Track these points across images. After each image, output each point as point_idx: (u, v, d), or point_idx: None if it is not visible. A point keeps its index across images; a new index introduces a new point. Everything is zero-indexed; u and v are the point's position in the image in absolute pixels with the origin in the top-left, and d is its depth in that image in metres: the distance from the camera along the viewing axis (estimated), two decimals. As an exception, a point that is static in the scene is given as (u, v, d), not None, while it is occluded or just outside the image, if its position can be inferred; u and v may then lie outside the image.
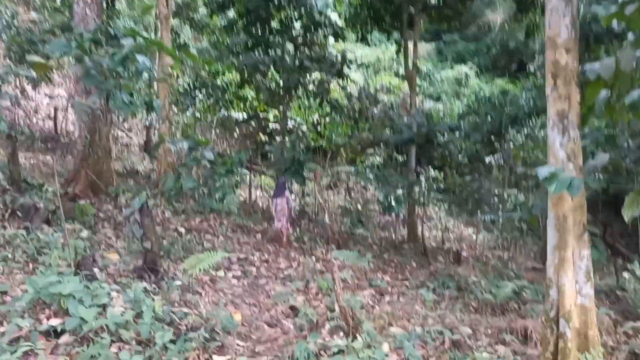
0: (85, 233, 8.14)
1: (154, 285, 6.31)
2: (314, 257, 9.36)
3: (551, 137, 4.42)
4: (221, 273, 7.68)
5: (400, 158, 15.99)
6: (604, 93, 4.24)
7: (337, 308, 5.43)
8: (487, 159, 14.36)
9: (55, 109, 15.93)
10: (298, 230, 11.50)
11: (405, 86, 21.35)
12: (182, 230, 9.53)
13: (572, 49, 4.40)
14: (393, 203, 10.36)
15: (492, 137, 11.59)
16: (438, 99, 21.44)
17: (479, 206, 11.42)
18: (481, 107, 16.72)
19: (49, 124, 15.91)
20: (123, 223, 8.55)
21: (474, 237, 16.74)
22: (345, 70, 12.20)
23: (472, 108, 17.93)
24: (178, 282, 6.38)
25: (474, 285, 8.14)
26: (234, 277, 7.52)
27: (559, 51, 4.41)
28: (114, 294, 5.01)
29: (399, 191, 11.26)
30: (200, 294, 6.48)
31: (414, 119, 11.78)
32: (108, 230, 8.83)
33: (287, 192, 10.90)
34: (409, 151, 12.17)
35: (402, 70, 23.42)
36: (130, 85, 9.45)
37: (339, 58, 12.17)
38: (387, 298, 7.25)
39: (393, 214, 10.95)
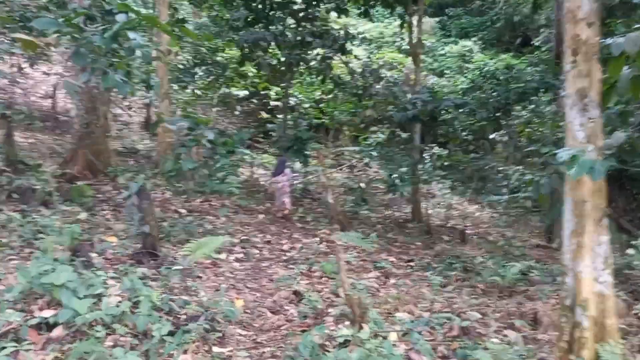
0: (83, 215, 7.93)
1: (153, 271, 6.10)
2: (317, 238, 9.14)
3: (570, 116, 4.12)
4: (222, 256, 7.46)
5: (403, 135, 15.70)
6: (627, 69, 3.93)
7: (342, 294, 5.22)
8: (492, 136, 14.07)
9: (54, 87, 15.61)
10: (301, 209, 11.27)
11: (408, 62, 20.88)
12: (183, 211, 9.30)
13: (594, 22, 4.07)
14: (398, 182, 10.10)
15: (499, 113, 11.26)
16: (441, 74, 20.97)
17: (484, 184, 11.15)
18: (486, 82, 16.35)
19: (48, 102, 15.60)
20: (122, 205, 8.33)
21: (478, 214, 16.53)
22: (348, 45, 11.80)
23: (476, 83, 17.53)
24: (178, 267, 6.17)
25: (481, 266, 7.93)
26: (235, 260, 7.31)
27: (580, 25, 4.08)
28: (110, 282, 4.80)
29: (404, 170, 10.98)
30: (201, 278, 6.27)
31: (418, 96, 11.43)
32: (107, 212, 8.61)
33: (287, 171, 10.73)
34: (413, 128, 11.85)
35: (405, 46, 22.91)
36: (125, 63, 9.14)
37: (342, 33, 11.77)
38: (393, 281, 7.04)
39: (397, 193, 10.67)
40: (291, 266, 7.26)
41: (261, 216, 10.11)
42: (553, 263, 9.02)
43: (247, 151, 8.25)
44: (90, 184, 9.78)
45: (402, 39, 22.85)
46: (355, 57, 14.63)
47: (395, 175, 10.11)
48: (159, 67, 12.34)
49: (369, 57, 19.16)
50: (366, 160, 17.60)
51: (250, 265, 7.21)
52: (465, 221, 15.33)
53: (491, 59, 19.68)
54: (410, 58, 21.60)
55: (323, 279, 6.67)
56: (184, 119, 8.03)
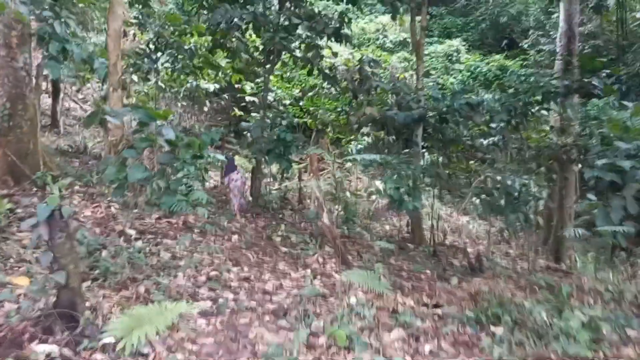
0: (-17, 243, 5.37)
1: (66, 350, 3.65)
2: (309, 271, 6.77)
3: None
4: (183, 306, 5.02)
5: (390, 139, 13.49)
6: None
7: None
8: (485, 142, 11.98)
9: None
10: (282, 226, 8.86)
11: (393, 59, 18.73)
12: (132, 233, 6.78)
13: None
14: (405, 197, 7.85)
15: (518, 118, 9.13)
16: (427, 74, 18.90)
17: (500, 198, 9.02)
18: (478, 83, 14.31)
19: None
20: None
21: (472, 228, 14.48)
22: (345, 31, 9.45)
23: (466, 84, 15.49)
24: (107, 339, 3.75)
25: (530, 316, 5.71)
26: (201, 315, 4.87)
27: None
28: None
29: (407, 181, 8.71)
30: (147, 358, 3.84)
31: (425, 93, 9.25)
32: (25, 235, 6.04)
33: (239, 168, 8.96)
34: (415, 131, 9.62)
35: (388, 44, 20.77)
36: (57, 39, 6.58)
37: (336, 16, 9.42)
38: (428, 347, 4.74)
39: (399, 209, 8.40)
40: (282, 323, 4.88)
41: (235, 238, 7.65)
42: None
43: (220, 155, 5.82)
44: (10, 194, 7.16)
45: (386, 36, 20.75)
46: (334, 54, 12.30)
47: (402, 189, 7.86)
48: (111, 48, 9.71)
49: (350, 55, 16.89)
50: (348, 165, 15.38)
51: (223, 323, 4.79)
52: (461, 236, 13.26)
53: (481, 60, 17.69)
54: (394, 56, 19.54)
55: (334, 352, 4.31)
56: (132, 110, 5.54)
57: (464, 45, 19.73)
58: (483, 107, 8.92)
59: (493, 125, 9.99)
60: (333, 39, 9.84)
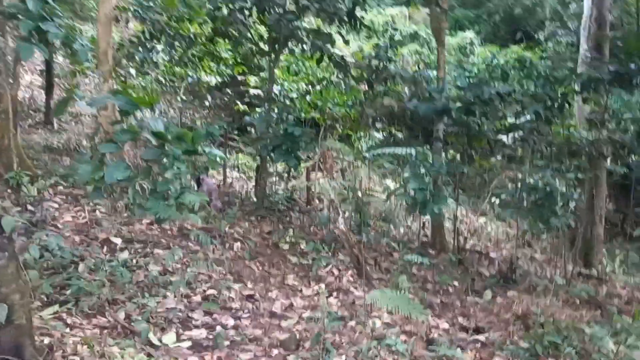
0: None
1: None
2: (323, 285, 5.74)
3: None
4: (171, 337, 4.00)
5: (405, 134, 12.44)
6: None
7: None
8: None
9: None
10: (290, 231, 7.81)
11: (404, 52, 17.66)
12: (117, 242, 5.75)
13: None
14: (428, 198, 6.81)
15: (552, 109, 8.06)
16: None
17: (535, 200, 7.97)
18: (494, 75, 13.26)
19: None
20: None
21: (490, 230, 13.39)
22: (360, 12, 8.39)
23: (482, 77, 14.40)
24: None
25: (594, 345, 4.66)
26: (193, 346, 3.85)
27: None
28: None
29: (427, 180, 7.65)
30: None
31: (445, 84, 8.21)
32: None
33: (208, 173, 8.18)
34: (436, 125, 8.56)
35: (397, 37, 19.67)
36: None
37: (350, -4, 8.33)
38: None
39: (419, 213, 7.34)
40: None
41: (237, 246, 6.62)
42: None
43: (217, 151, 4.78)
44: (-22, 197, 6.15)
45: (395, 28, 19.65)
46: (346, 42, 11.20)
47: (424, 189, 6.81)
48: (102, 34, 8.70)
49: (359, 48, 15.83)
50: (357, 163, 14.34)
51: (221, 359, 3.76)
52: (481, 238, 12.19)
53: (498, 51, 16.61)
54: (405, 49, 18.48)
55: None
56: (111, 97, 4.51)
57: (479, 37, 18.66)
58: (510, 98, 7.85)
59: (520, 119, 8.96)
60: (345, 24, 8.80)
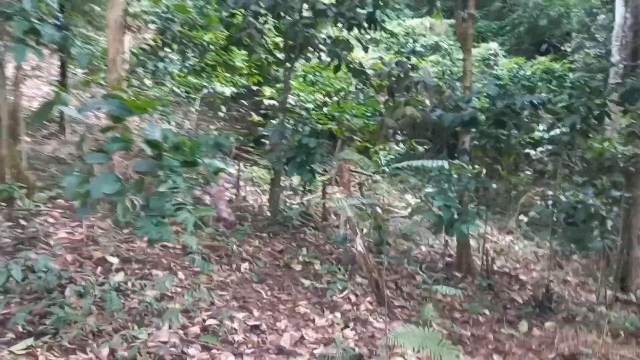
0: None
1: None
2: (338, 314, 5.09)
3: None
4: (159, 379, 3.40)
5: (424, 148, 11.76)
6: None
7: None
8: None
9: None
10: (304, 249, 7.19)
11: (425, 64, 17.02)
12: (114, 261, 5.19)
13: None
14: (455, 217, 6.14)
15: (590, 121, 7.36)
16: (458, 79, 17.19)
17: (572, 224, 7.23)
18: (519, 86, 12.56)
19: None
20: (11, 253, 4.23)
21: (518, 249, 12.57)
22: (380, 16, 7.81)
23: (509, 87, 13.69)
24: None
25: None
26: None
27: None
28: None
29: (451, 195, 6.96)
30: None
31: (473, 93, 7.58)
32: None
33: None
34: (462, 137, 7.90)
35: (419, 48, 19.09)
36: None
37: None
38: None
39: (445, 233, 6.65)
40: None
41: (245, 267, 6.01)
42: None
43: (219, 162, 4.18)
44: (-33, 209, 5.68)
45: (415, 40, 19.09)
46: (365, 49, 10.62)
47: (450, 207, 6.15)
48: (110, 43, 8.27)
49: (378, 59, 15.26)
50: (376, 177, 13.70)
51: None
52: (508, 259, 11.39)
53: (524, 62, 15.90)
54: (426, 61, 17.85)
55: None
56: (102, 102, 3.97)
57: (503, 48, 17.99)
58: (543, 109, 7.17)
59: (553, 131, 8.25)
60: (364, 31, 8.24)
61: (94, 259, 5.17)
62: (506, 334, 5.67)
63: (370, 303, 5.53)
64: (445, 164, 3.47)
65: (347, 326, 4.83)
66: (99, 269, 5.00)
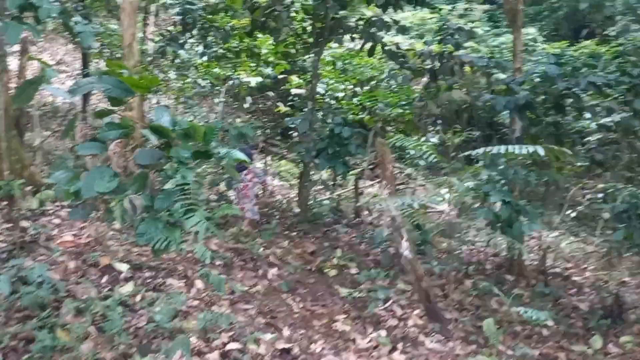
0: None
1: None
2: (383, 332, 4.23)
3: None
4: None
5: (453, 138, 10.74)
6: None
7: None
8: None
9: None
10: (338, 252, 6.33)
11: (460, 51, 15.91)
12: (123, 269, 4.43)
13: None
14: (514, 215, 5.22)
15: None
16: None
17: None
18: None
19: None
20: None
21: (564, 245, 11.45)
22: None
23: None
24: None
25: None
26: None
27: None
28: None
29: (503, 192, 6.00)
30: None
31: (528, 73, 6.60)
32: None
33: (256, 164, 7.20)
34: (513, 124, 6.90)
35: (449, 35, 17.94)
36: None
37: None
38: None
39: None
40: None
41: (273, 273, 5.19)
42: None
43: (240, 154, 3.36)
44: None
45: (448, 27, 17.91)
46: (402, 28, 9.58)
47: (509, 203, 5.22)
48: (125, 28, 7.52)
49: (409, 45, 14.21)
50: (408, 171, 12.71)
51: None
52: (556, 258, 10.32)
53: (568, 46, 14.66)
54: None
55: None
56: (96, 81, 3.18)
57: (542, 34, 16.72)
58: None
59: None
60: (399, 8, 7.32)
61: (99, 266, 4.44)
62: (578, 351, 4.73)
63: (420, 317, 4.64)
64: (540, 149, 2.59)
65: (395, 348, 3.97)
66: (105, 278, 4.26)
